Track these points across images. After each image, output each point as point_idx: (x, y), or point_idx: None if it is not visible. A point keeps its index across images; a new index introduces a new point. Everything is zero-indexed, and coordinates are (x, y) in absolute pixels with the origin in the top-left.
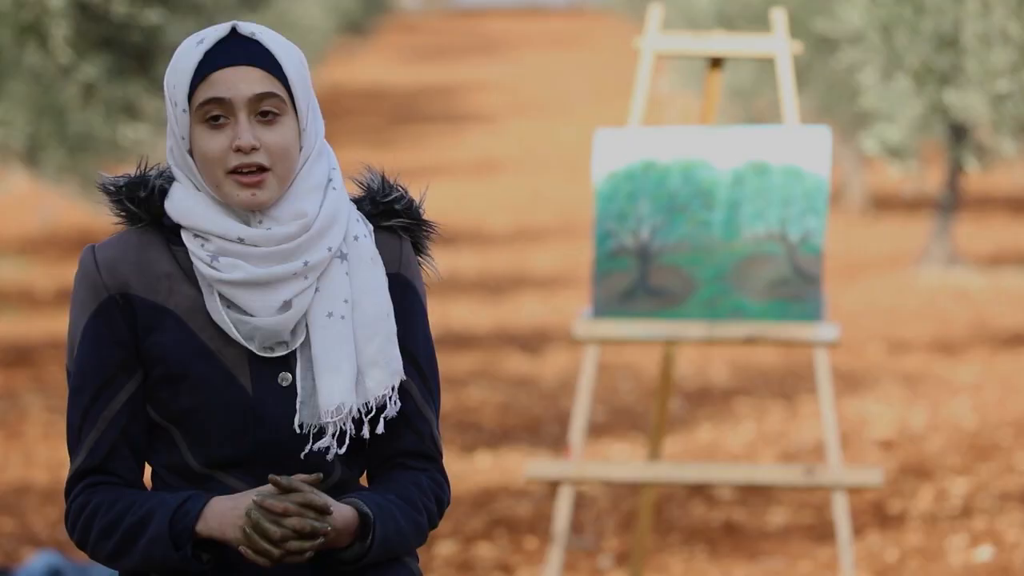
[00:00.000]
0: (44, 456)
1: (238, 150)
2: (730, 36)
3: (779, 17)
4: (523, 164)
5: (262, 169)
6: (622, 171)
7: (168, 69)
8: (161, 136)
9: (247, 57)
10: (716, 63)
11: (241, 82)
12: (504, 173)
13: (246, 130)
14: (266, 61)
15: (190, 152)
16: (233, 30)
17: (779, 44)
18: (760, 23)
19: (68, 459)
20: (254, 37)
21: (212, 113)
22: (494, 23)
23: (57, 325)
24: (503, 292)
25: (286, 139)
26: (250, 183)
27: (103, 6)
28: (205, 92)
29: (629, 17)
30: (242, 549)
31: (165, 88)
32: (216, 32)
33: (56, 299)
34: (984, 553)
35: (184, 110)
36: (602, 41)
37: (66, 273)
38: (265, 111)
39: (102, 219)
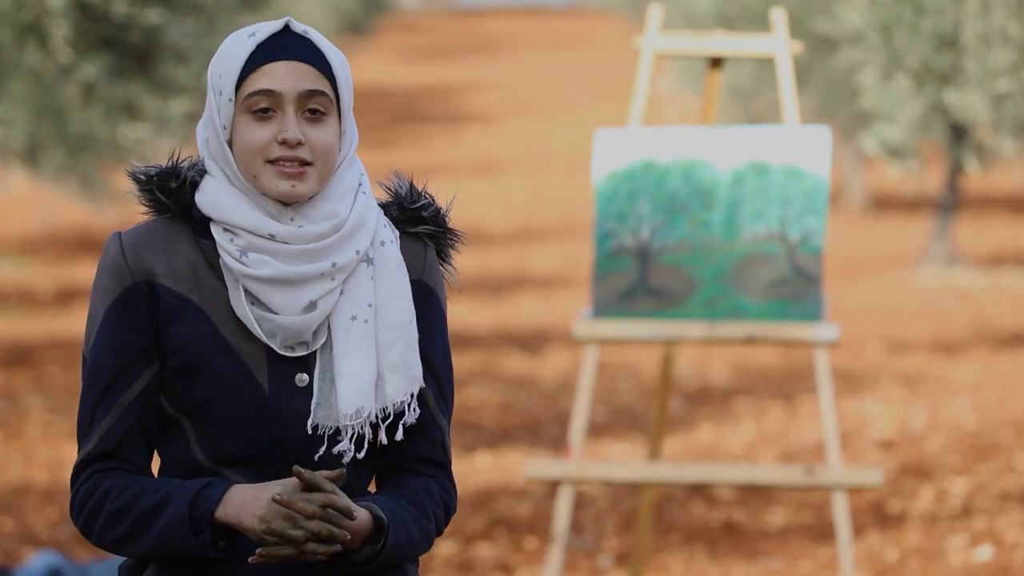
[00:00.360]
0: (44, 456)
1: (283, 143)
2: (730, 36)
3: (779, 17)
4: (523, 164)
5: (304, 163)
6: (622, 171)
7: (214, 59)
8: (161, 136)
9: (300, 53)
10: (716, 63)
11: (293, 77)
12: (504, 173)
13: (293, 124)
14: (317, 60)
15: (229, 143)
16: (286, 26)
17: (779, 44)
18: (760, 23)
19: (68, 459)
20: (307, 35)
21: (260, 104)
22: (494, 23)
23: (57, 325)
24: (503, 292)
25: (330, 138)
26: (292, 173)
27: (103, 6)
28: (256, 83)
29: (629, 17)
30: (253, 559)
31: (209, 77)
32: (269, 27)
33: (56, 299)
34: (984, 553)
35: (230, 99)
36: (602, 41)
37: (66, 273)
38: (313, 108)
39: (103, 219)
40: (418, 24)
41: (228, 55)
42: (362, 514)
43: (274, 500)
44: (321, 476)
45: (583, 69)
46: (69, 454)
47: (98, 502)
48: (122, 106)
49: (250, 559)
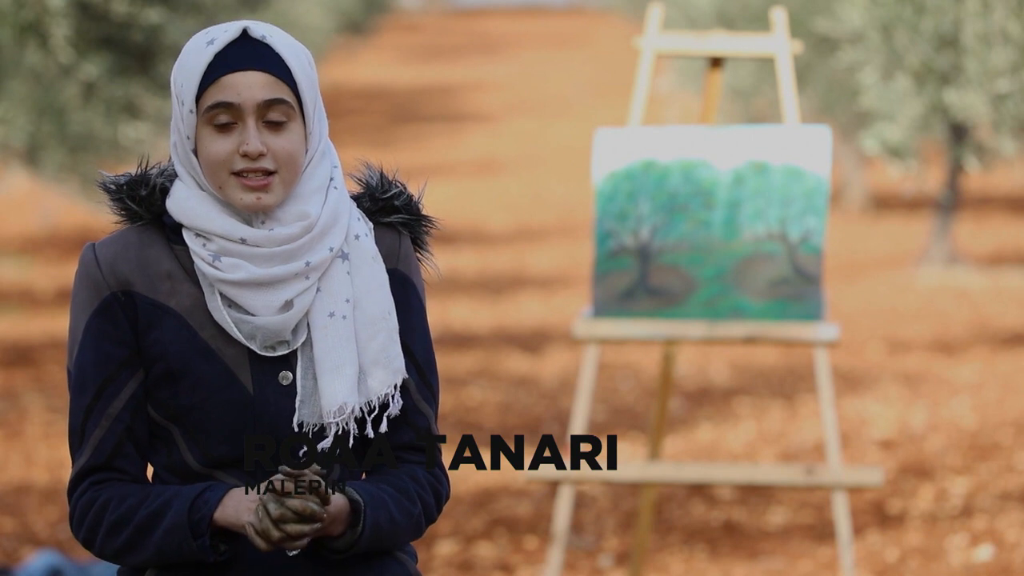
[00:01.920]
0: (44, 456)
1: (245, 155)
2: (730, 36)
3: (779, 17)
4: (523, 164)
5: (268, 173)
6: (622, 171)
7: (176, 66)
8: (162, 135)
9: (258, 62)
10: (716, 63)
11: (251, 87)
12: (504, 173)
13: (254, 136)
14: (277, 66)
15: (194, 151)
16: (244, 32)
17: (779, 44)
18: (760, 23)
19: (68, 458)
20: (265, 40)
21: (220, 116)
22: (494, 23)
23: (57, 325)
24: (503, 292)
25: (293, 144)
26: (256, 186)
27: (103, 5)
28: (214, 95)
29: (629, 17)
30: (248, 528)
31: (172, 85)
32: (227, 34)
33: (56, 299)
34: (984, 553)
35: (191, 110)
36: (602, 41)
37: (66, 273)
38: (273, 117)
39: (102, 219)
40: (418, 24)
41: (188, 65)
42: (338, 498)
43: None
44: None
45: (583, 69)
46: (69, 455)
47: (97, 514)
48: (122, 106)
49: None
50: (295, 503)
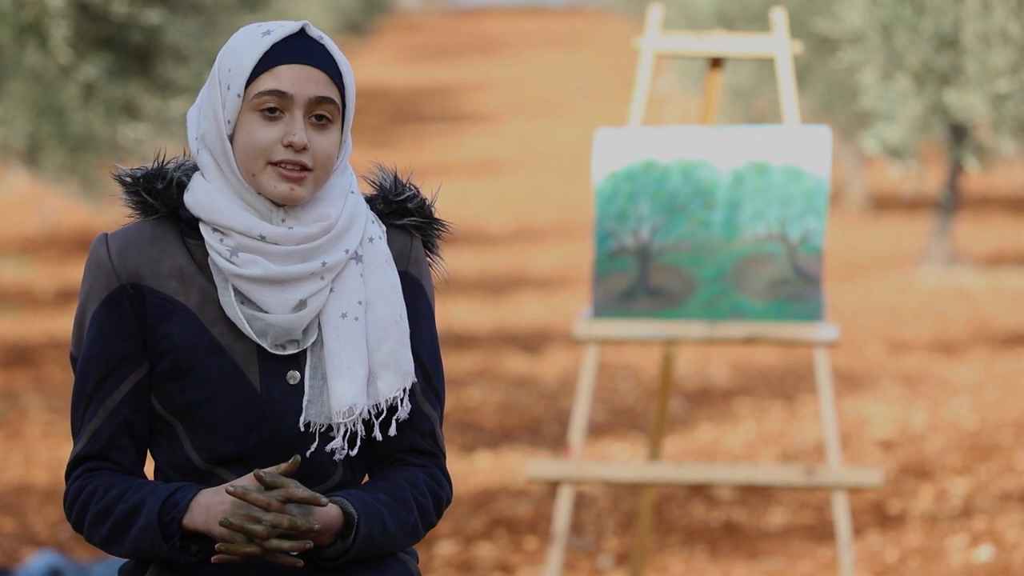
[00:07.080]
0: (44, 456)
1: (289, 146)
2: (730, 36)
3: (779, 17)
4: (523, 164)
5: (305, 169)
6: (622, 171)
7: (224, 52)
8: (162, 135)
9: (315, 59)
10: (716, 63)
11: (307, 81)
12: (504, 173)
13: (301, 128)
14: (330, 67)
15: (230, 137)
16: (302, 29)
17: (779, 44)
18: (760, 23)
19: (68, 459)
20: (322, 42)
21: (269, 104)
22: (494, 23)
23: (57, 325)
24: (503, 292)
25: (332, 145)
26: (293, 177)
27: (103, 6)
28: (267, 83)
29: (629, 17)
30: (216, 557)
31: (216, 70)
32: (285, 28)
33: (56, 299)
34: (984, 553)
35: (239, 95)
36: (602, 41)
37: (66, 273)
38: (320, 115)
39: (103, 218)
40: (418, 24)
41: (240, 51)
42: (331, 509)
43: (227, 491)
44: (277, 472)
45: (583, 69)
46: (69, 454)
47: (84, 502)
48: (122, 106)
49: (213, 557)
50: (271, 518)
